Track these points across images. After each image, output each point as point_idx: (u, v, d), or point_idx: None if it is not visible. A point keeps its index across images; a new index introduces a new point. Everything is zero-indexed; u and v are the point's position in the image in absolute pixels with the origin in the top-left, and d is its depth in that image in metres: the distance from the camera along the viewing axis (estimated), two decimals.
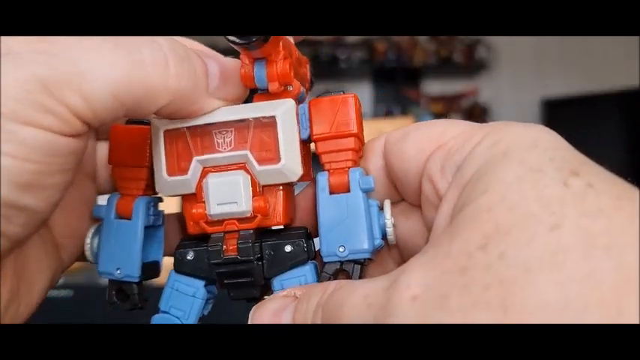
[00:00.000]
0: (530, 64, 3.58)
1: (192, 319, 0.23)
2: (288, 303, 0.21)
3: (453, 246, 0.16)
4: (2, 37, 0.19)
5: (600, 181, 0.16)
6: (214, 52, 0.24)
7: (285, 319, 0.21)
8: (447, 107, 3.60)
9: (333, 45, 3.43)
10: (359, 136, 0.23)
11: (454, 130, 0.21)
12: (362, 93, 3.68)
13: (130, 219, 0.24)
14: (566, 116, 3.38)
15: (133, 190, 0.25)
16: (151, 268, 0.26)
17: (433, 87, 3.71)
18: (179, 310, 0.24)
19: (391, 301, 0.17)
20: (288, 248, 0.23)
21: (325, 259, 0.23)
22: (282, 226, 0.24)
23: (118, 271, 0.24)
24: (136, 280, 0.25)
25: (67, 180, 0.21)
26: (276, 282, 0.23)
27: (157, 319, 0.24)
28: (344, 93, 0.23)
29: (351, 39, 3.50)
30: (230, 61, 0.23)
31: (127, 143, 0.25)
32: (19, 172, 0.19)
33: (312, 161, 0.25)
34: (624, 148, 3.23)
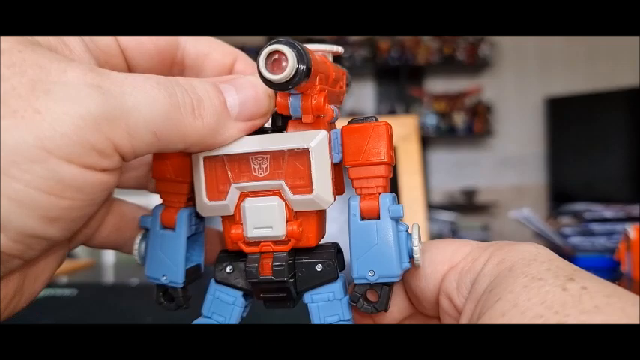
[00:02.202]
0: (534, 63, 3.57)
1: (233, 323, 0.25)
2: None
3: None
4: (56, 60, 0.19)
5: (592, 284, 0.18)
6: (231, 77, 0.25)
7: None
8: (451, 105, 3.59)
9: (335, 43, 3.42)
10: (389, 164, 0.24)
11: (462, 250, 0.24)
12: (365, 91, 3.68)
13: (173, 229, 0.26)
14: (570, 114, 3.37)
15: (176, 202, 0.27)
16: (193, 272, 0.27)
17: (436, 85, 3.70)
18: (220, 315, 0.25)
19: None
20: (319, 267, 0.25)
21: (356, 281, 0.24)
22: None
23: (164, 277, 0.26)
24: (180, 286, 0.26)
25: (93, 212, 0.21)
26: (306, 296, 0.25)
27: (199, 322, 0.26)
28: (376, 120, 0.24)
29: (354, 37, 3.50)
30: (246, 83, 0.24)
31: (170, 160, 0.27)
32: (49, 208, 0.19)
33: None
34: (626, 146, 3.22)
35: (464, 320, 0.22)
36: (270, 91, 0.24)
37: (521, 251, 0.22)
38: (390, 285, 0.24)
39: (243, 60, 0.29)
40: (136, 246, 0.27)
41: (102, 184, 0.20)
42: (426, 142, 3.55)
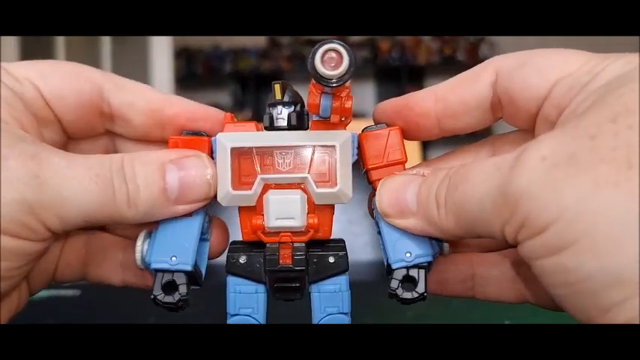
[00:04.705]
0: None
1: (261, 310, 0.26)
2: (416, 178, 0.24)
3: (582, 121, 0.18)
4: (2, 145, 0.21)
5: None
6: (181, 155, 0.25)
7: (411, 190, 0.23)
8: None
9: None
10: (405, 162, 0.26)
11: (577, 59, 0.23)
12: (365, 92, 3.68)
13: (188, 216, 0.26)
14: None
15: None
16: (197, 272, 0.26)
17: None
18: (247, 307, 0.26)
19: (520, 161, 0.18)
20: (331, 259, 0.26)
21: (394, 266, 0.25)
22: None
23: (173, 259, 0.25)
24: (189, 269, 0.25)
25: (28, 270, 0.24)
26: (314, 287, 0.26)
27: (232, 322, 0.26)
28: (387, 126, 0.27)
29: (355, 38, 3.50)
30: (193, 166, 0.25)
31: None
32: None
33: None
34: None
35: (566, 112, 0.21)
36: (213, 177, 0.25)
37: None
38: (425, 268, 0.25)
39: (175, 105, 0.27)
40: (138, 243, 0.26)
41: (33, 250, 0.23)
42: (426, 141, 3.54)
